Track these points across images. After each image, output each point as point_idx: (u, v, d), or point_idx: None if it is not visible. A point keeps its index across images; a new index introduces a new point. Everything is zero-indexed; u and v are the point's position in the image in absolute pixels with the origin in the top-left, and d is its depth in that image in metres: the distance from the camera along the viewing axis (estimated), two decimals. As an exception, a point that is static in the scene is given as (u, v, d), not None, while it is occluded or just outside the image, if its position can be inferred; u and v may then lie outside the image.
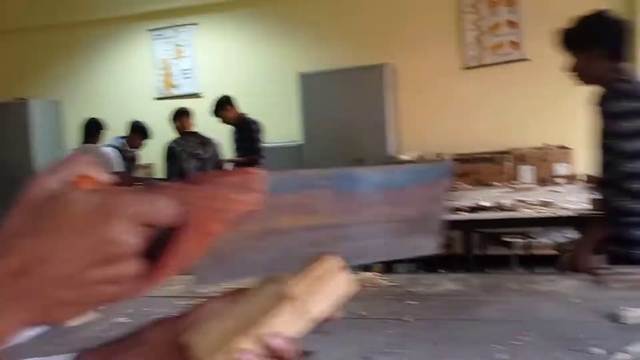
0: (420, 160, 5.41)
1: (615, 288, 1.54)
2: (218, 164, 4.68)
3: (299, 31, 6.29)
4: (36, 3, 6.94)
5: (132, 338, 0.49)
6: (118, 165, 4.76)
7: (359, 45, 6.01)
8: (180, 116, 4.65)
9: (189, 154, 4.49)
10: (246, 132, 5.04)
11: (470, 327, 1.39)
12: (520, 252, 4.40)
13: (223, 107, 5.08)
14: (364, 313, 1.52)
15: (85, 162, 0.39)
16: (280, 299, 0.45)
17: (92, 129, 4.76)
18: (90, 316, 1.51)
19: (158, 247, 0.39)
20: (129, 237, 0.36)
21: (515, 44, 5.62)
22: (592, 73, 2.09)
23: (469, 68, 5.81)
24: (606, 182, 1.94)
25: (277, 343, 0.44)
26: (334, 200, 0.48)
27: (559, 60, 5.92)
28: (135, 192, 0.37)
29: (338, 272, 0.47)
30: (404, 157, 5.51)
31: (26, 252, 0.35)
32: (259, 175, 0.41)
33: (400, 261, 4.20)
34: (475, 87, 5.80)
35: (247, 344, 0.44)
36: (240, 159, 5.07)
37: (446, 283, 1.74)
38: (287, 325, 0.45)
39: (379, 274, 1.83)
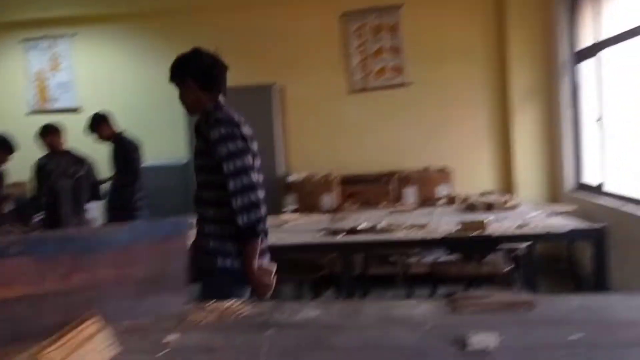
0: (309, 180, 5.42)
1: (467, 313, 1.57)
2: (93, 183, 4.39)
3: (185, 47, 6.11)
4: None
5: None
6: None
7: (248, 64, 5.96)
8: (50, 133, 4.32)
9: (60, 173, 4.18)
10: (122, 151, 4.79)
11: (322, 356, 1.35)
12: (401, 270, 4.51)
13: (98, 124, 4.81)
14: (217, 346, 1.43)
15: None
16: None
17: None
18: None
19: None
20: None
21: (397, 70, 5.84)
22: (190, 102, 2.40)
23: (354, 92, 5.95)
24: (221, 201, 2.23)
25: None
26: (36, 267, 0.41)
27: (437, 86, 6.26)
28: None
29: (98, 335, 0.41)
30: (293, 177, 5.50)
31: None
32: None
33: (288, 280, 4.16)
34: (361, 110, 5.95)
35: None
36: (112, 178, 4.80)
37: (309, 310, 1.70)
38: None
39: (240, 302, 1.76)
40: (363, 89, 5.93)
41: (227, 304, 1.76)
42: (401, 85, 5.84)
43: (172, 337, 1.49)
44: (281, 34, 5.97)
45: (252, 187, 2.20)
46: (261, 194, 2.28)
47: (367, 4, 5.86)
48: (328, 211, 4.58)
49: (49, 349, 0.38)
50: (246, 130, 2.37)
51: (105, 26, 6.26)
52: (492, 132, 5.88)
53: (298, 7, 5.94)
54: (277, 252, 3.59)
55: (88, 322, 0.38)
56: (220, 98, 2.40)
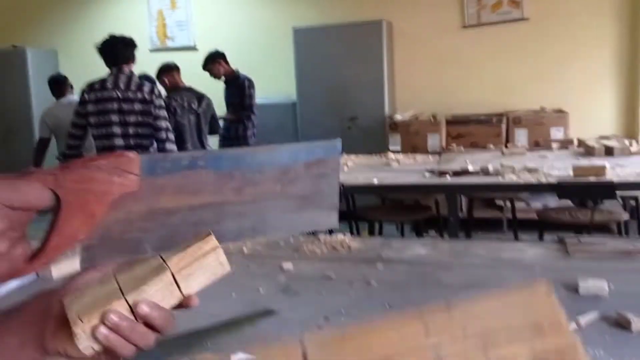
0: (415, 119, 5.38)
1: (579, 258, 1.56)
2: (212, 119, 4.66)
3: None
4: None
5: (12, 308, 0.51)
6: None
7: (356, 0, 5.90)
8: (170, 71, 4.59)
9: (184, 109, 4.46)
10: (237, 88, 4.99)
11: (430, 292, 1.42)
12: (509, 215, 4.43)
13: (214, 61, 5.02)
14: (331, 275, 1.54)
15: None
16: (157, 271, 0.48)
17: (58, 86, 4.74)
18: None
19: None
20: None
21: (515, 3, 5.50)
22: None
23: (467, 27, 5.71)
24: None
25: (145, 310, 0.46)
26: (216, 179, 0.49)
27: (558, 21, 5.82)
28: (1, 180, 0.40)
29: (214, 252, 0.49)
30: (398, 116, 5.48)
31: None
32: (132, 158, 0.43)
33: (390, 221, 4.25)
34: (474, 46, 5.71)
35: (118, 308, 0.47)
36: (230, 116, 5.03)
37: (416, 247, 1.76)
38: (159, 295, 0.48)
39: (350, 236, 1.85)
40: (477, 24, 5.67)
41: (339, 236, 1.86)
42: (518, 20, 5.51)
43: (288, 265, 1.62)
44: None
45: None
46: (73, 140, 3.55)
47: None
48: (434, 152, 4.55)
49: (171, 258, 0.47)
50: (92, 96, 3.42)
51: (218, -36, 6.41)
52: (617, 70, 5.43)
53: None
54: (381, 192, 3.67)
55: (208, 239, 0.46)
56: (112, 70, 3.47)
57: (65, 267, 1.14)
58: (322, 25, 5.68)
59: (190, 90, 4.59)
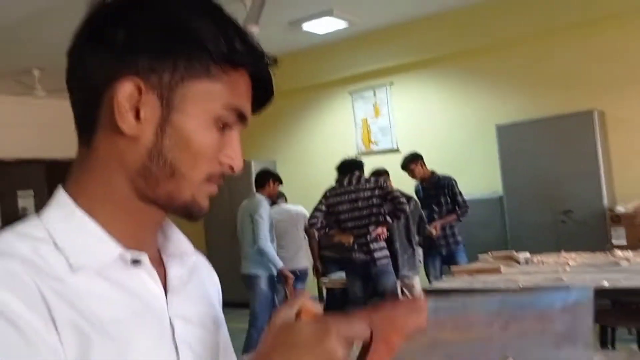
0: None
1: None
2: (420, 220, 4.80)
3: (494, 82, 6.24)
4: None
5: None
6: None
7: (560, 92, 5.75)
8: (381, 176, 4.89)
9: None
10: (443, 188, 5.05)
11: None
12: None
13: (414, 162, 5.15)
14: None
15: (306, 299, 0.57)
16: None
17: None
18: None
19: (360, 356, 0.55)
20: (338, 349, 0.52)
21: None
22: None
23: (694, 107, 5.19)
24: None
25: None
26: (486, 317, 0.59)
27: None
28: (339, 318, 0.53)
29: None
30: (620, 208, 5.05)
31: None
32: (423, 303, 0.55)
33: (623, 321, 3.82)
34: None
35: None
36: (449, 218, 5.04)
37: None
38: None
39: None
40: None
41: None
42: None
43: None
44: (597, 54, 5.60)
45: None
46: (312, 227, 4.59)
47: None
48: (668, 247, 4.07)
49: None
50: (331, 192, 4.48)
51: (417, 72, 6.81)
52: None
53: (625, 21, 5.49)
54: (612, 296, 3.34)
55: None
56: (346, 175, 4.48)
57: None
58: (526, 120, 5.62)
59: (398, 192, 4.82)
